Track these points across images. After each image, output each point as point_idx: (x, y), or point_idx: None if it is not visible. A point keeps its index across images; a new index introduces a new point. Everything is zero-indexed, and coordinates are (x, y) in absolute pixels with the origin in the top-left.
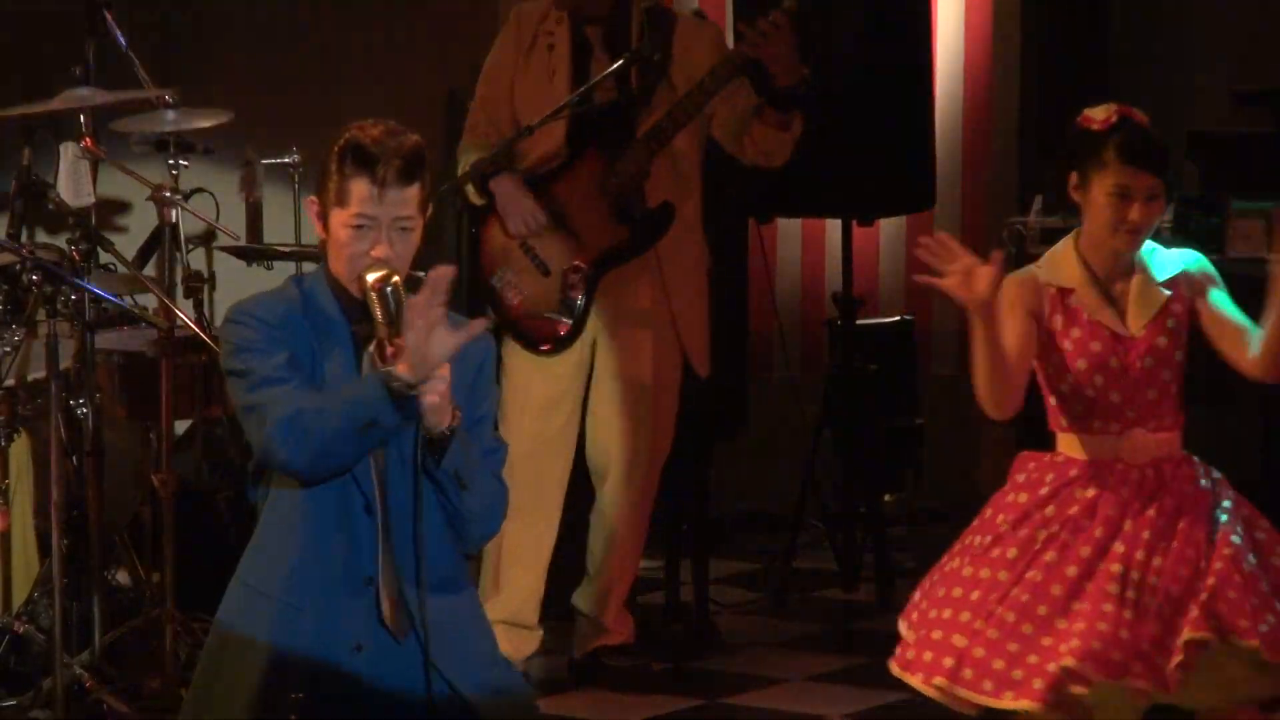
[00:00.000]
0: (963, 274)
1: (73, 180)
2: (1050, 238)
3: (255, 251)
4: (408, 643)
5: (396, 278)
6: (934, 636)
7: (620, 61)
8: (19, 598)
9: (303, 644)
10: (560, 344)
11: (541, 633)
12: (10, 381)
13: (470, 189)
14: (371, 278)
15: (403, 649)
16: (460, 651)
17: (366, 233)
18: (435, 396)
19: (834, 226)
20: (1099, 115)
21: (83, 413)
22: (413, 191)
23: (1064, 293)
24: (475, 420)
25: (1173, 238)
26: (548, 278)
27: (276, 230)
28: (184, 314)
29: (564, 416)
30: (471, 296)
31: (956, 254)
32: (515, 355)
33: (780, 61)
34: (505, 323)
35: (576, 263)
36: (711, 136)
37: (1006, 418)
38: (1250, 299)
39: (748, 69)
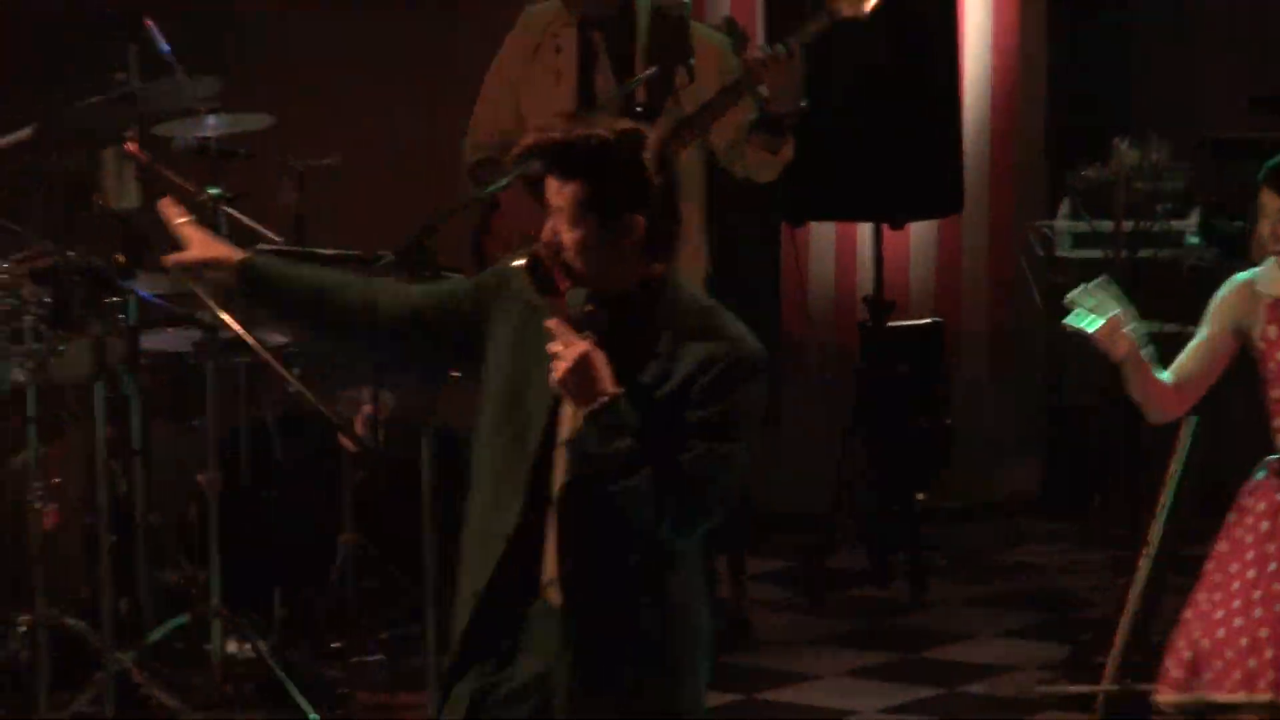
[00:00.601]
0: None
1: (117, 183)
2: (1082, 241)
3: (292, 254)
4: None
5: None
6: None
7: (653, 69)
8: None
9: None
10: None
11: None
12: (56, 382)
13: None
14: None
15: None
16: None
17: None
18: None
19: (865, 230)
20: None
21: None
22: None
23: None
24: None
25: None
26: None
27: (317, 233)
28: (227, 317)
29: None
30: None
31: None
32: None
33: (781, 90)
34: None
35: None
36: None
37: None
38: None
39: (753, 91)
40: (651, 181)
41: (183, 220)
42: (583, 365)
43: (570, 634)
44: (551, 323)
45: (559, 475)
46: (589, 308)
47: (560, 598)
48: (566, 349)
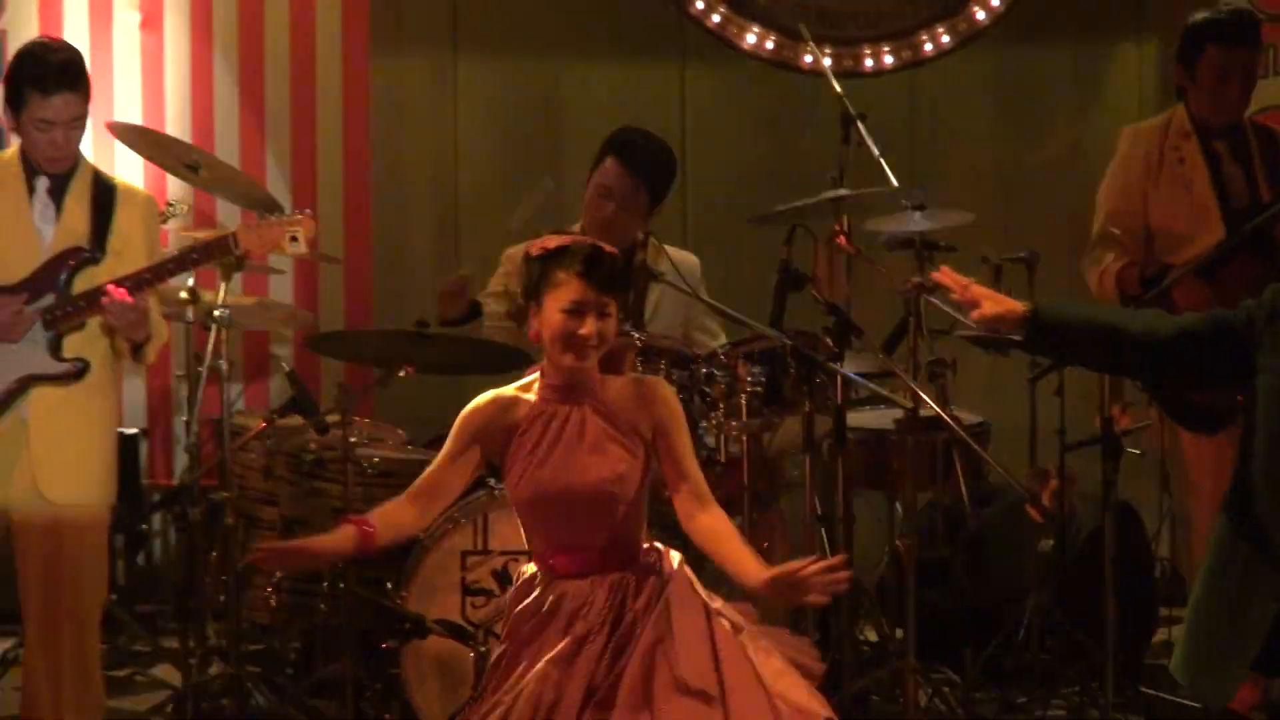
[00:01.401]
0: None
1: (829, 273)
2: None
3: (990, 341)
4: None
5: None
6: None
7: None
8: None
9: None
10: (1219, 422)
11: None
12: (769, 455)
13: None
14: None
15: None
16: None
17: None
18: None
19: None
20: None
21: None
22: None
23: None
24: None
25: None
26: None
27: None
28: (927, 397)
29: None
30: None
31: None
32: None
33: None
34: (1171, 397)
35: None
36: None
37: None
38: None
39: None
40: None
41: (967, 282)
42: None
43: None
44: None
45: None
46: None
47: None
48: None
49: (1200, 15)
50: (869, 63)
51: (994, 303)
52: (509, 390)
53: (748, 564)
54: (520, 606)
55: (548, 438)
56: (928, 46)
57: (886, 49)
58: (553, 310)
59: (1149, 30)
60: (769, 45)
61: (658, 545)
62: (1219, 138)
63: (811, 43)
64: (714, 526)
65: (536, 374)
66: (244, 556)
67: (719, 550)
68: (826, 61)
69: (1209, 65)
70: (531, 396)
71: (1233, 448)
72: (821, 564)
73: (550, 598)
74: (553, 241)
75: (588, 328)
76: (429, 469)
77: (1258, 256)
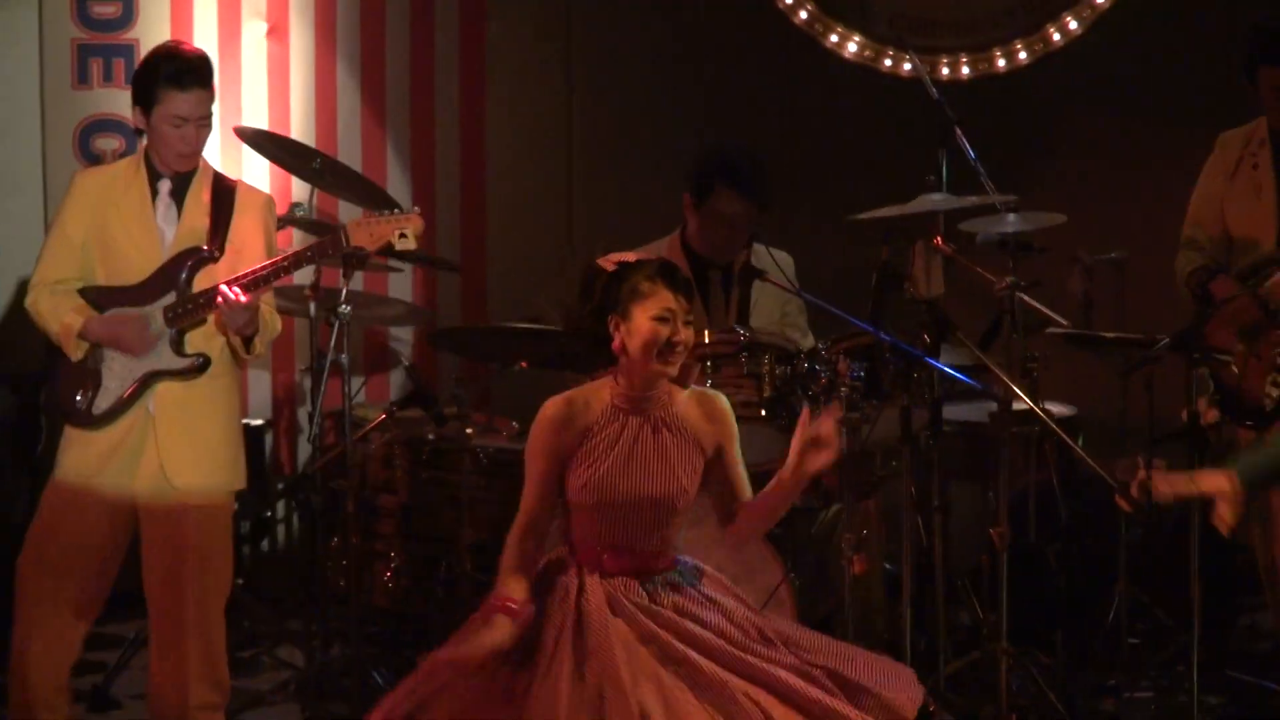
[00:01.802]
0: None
1: (925, 273)
2: None
3: (1082, 338)
4: None
5: None
6: None
7: None
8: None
9: None
10: (1270, 419)
11: None
12: (868, 447)
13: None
14: None
15: None
16: None
17: None
18: None
19: None
20: None
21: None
22: None
23: None
24: None
25: None
26: (1261, 362)
27: (1102, 319)
28: (1020, 391)
29: None
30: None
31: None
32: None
33: None
34: (1226, 392)
35: None
36: None
37: None
38: None
39: None
40: None
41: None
42: None
43: None
44: None
45: None
46: None
47: None
48: None
49: (1253, 33)
50: (945, 71)
51: (1227, 506)
52: (580, 392)
53: (771, 485)
54: (553, 595)
55: (619, 446)
56: (1001, 61)
57: (965, 60)
58: (643, 319)
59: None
60: (851, 48)
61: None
62: None
63: (911, 51)
64: (743, 508)
65: (608, 379)
66: (365, 542)
67: (750, 510)
68: (918, 67)
69: (1264, 83)
70: (603, 402)
71: None
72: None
73: (595, 591)
74: (629, 256)
75: (681, 334)
76: (526, 501)
77: None
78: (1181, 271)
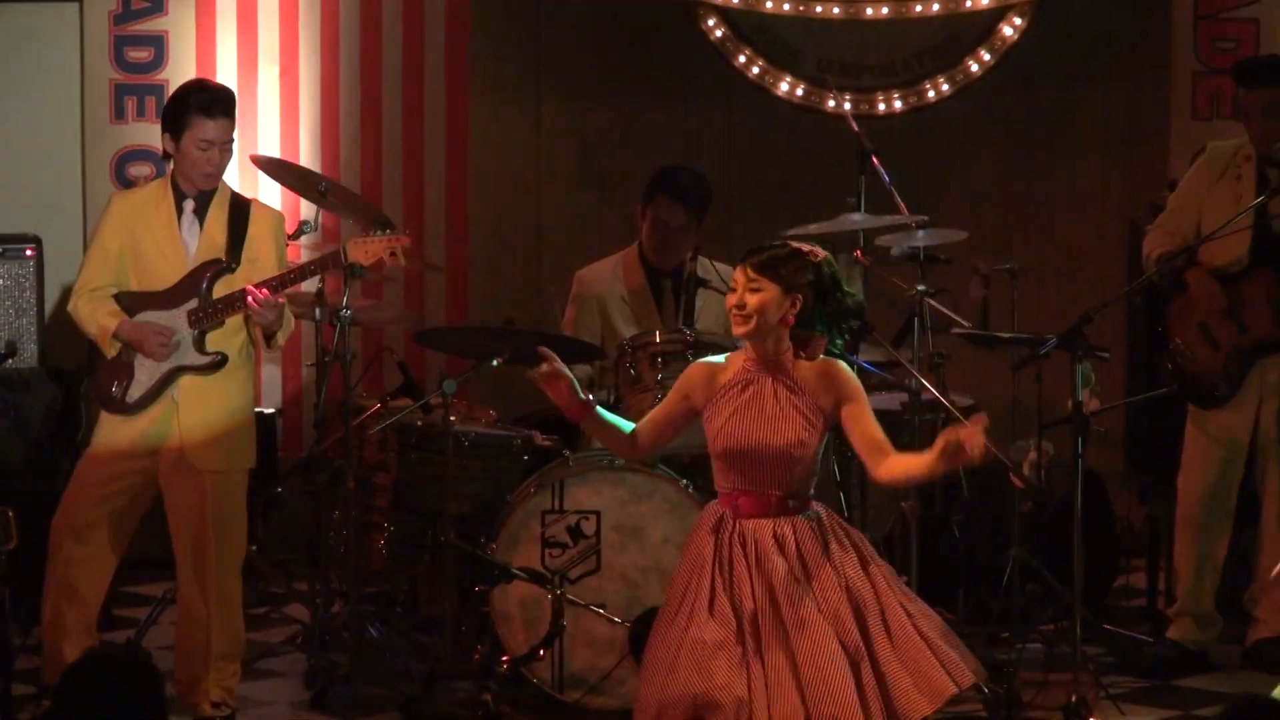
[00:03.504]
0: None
1: (847, 281)
2: None
3: (980, 337)
4: None
5: None
6: None
7: None
8: None
9: None
10: (1215, 403)
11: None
12: None
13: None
14: None
15: None
16: None
17: None
18: None
19: None
20: None
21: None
22: None
23: None
24: None
25: None
26: (1216, 351)
27: (997, 321)
28: (927, 383)
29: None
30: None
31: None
32: (1193, 413)
33: None
34: (1181, 379)
35: (1239, 346)
36: None
37: None
38: None
39: None
40: None
41: None
42: None
43: None
44: None
45: None
46: None
47: None
48: None
49: (1234, 66)
50: (881, 106)
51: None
52: (720, 359)
53: (917, 458)
54: (703, 532)
55: (744, 400)
56: (930, 94)
57: (896, 95)
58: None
59: (1112, 79)
60: (799, 92)
61: (818, 505)
62: (1275, 167)
63: (834, 90)
64: (892, 461)
65: (742, 351)
66: (363, 515)
67: (898, 467)
68: (847, 106)
69: (1240, 104)
70: (737, 366)
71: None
72: (968, 426)
73: (731, 530)
74: None
75: (746, 301)
76: (653, 410)
77: (1277, 273)
78: (1150, 250)
